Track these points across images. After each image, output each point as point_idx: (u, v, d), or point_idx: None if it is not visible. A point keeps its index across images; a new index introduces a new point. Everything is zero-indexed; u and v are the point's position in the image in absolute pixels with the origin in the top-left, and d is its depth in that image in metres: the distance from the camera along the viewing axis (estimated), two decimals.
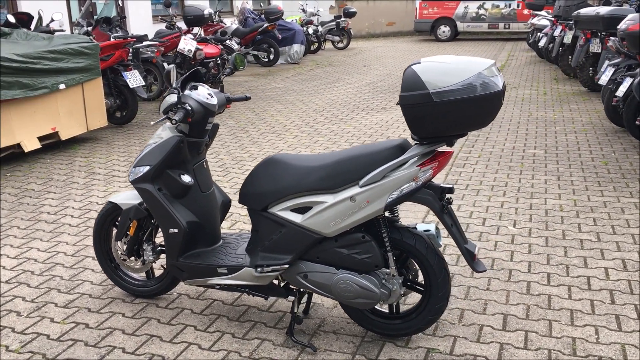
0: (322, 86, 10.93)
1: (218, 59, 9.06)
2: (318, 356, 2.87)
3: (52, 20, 8.17)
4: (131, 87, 7.13)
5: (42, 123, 6.11)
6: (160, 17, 9.61)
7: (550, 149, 6.43)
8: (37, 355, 2.87)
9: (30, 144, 5.97)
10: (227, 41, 11.48)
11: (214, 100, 3.03)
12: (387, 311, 3.02)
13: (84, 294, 3.46)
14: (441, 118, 2.54)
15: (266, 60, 13.49)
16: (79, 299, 3.41)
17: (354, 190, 2.70)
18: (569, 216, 4.53)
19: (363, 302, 2.82)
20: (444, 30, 19.40)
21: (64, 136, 6.38)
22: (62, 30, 8.35)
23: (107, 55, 7.15)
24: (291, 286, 3.00)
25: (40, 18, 8.46)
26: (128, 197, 3.26)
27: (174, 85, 2.90)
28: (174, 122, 2.79)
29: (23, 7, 9.66)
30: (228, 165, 6.01)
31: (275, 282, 3.02)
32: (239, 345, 2.96)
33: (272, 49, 13.39)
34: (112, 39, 7.73)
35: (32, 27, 8.52)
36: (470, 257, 2.75)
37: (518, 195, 5.02)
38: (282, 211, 2.85)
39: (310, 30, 15.47)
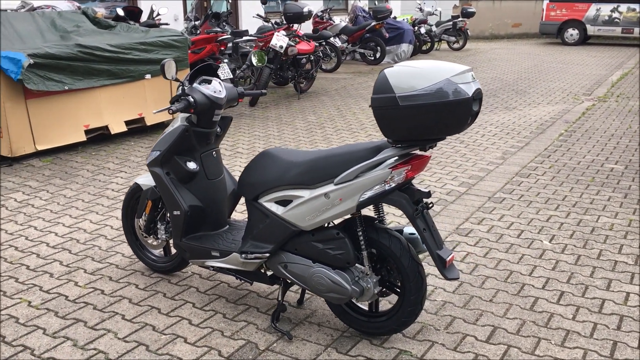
0: None
1: (311, 55, 9.30)
2: (293, 344, 2.99)
3: (158, 14, 8.82)
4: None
5: (130, 108, 6.68)
6: (257, 14, 10.01)
7: (633, 165, 6.01)
8: (50, 313, 3.24)
9: (117, 127, 6.56)
10: (331, 38, 11.73)
11: (222, 94, 3.24)
12: (367, 309, 3.08)
13: (112, 264, 3.82)
14: (407, 121, 2.57)
15: (372, 58, 13.58)
16: (106, 268, 3.77)
17: (329, 187, 2.79)
18: (615, 236, 4.27)
19: (335, 297, 2.90)
20: (572, 33, 18.41)
21: (149, 121, 6.93)
22: (167, 24, 8.99)
23: (199, 48, 7.63)
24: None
25: (151, 12, 9.17)
26: (150, 179, 3.56)
27: (168, 77, 3.13)
28: (170, 111, 3.03)
29: (142, 0, 10.49)
30: None
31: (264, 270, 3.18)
32: (225, 325, 3.15)
33: (378, 48, 13.45)
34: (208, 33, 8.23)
35: (145, 19, 9.26)
36: (442, 264, 2.74)
37: (571, 210, 4.78)
38: (268, 202, 3.00)
39: (423, 30, 15.31)
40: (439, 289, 3.54)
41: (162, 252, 3.72)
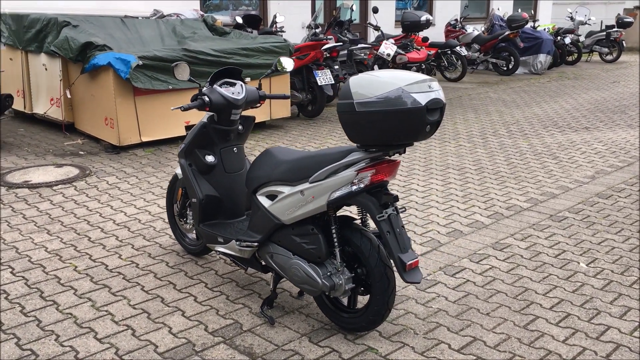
0: (540, 99, 10.40)
1: (422, 64, 9.34)
2: (273, 329, 3.22)
3: (275, 22, 9.39)
4: (319, 84, 7.91)
5: None
6: (369, 22, 10.22)
7: None
8: (87, 277, 3.76)
9: None
10: (457, 47, 11.63)
11: (240, 96, 3.56)
12: (346, 304, 3.22)
13: (157, 243, 4.30)
14: (365, 127, 2.70)
15: (505, 69, 13.18)
16: (151, 246, 4.26)
17: (305, 185, 2.99)
18: None
19: (308, 289, 3.09)
20: None
21: None
22: (283, 31, 9.53)
23: (304, 54, 8.05)
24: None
25: (274, 20, 9.78)
26: None
27: (179, 78, 3.49)
28: (182, 109, 3.40)
29: (272, 9, 11.18)
30: None
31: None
32: (223, 305, 3.46)
33: (511, 58, 13.04)
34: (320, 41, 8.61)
35: (267, 27, 9.90)
36: (402, 267, 2.82)
37: (632, 235, 4.47)
38: (261, 196, 3.26)
39: (567, 40, 14.53)
40: (440, 297, 3.56)
41: (195, 236, 4.12)
